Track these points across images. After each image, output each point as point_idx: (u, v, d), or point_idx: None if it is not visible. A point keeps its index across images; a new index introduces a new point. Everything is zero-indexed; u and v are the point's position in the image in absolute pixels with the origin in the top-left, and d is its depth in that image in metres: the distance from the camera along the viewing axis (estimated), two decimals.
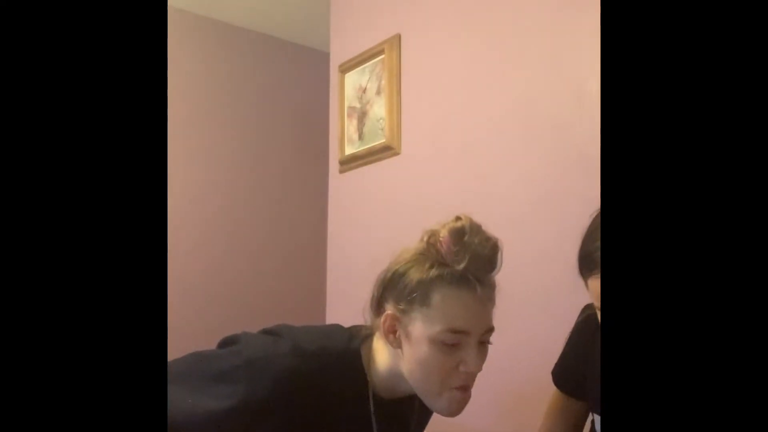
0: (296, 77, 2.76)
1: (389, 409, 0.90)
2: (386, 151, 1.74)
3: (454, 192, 1.55)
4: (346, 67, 1.92)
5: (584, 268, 0.78)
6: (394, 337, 0.85)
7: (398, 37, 1.74)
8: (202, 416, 0.81)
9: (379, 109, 1.77)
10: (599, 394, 0.82)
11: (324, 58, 2.21)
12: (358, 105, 1.86)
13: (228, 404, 0.80)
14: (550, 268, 1.30)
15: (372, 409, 0.88)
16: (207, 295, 2.45)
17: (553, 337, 1.06)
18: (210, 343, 0.94)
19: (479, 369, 0.83)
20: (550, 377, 1.05)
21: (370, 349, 0.89)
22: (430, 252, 0.83)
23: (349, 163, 1.87)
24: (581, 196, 1.23)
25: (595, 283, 0.76)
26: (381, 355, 0.88)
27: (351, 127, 1.88)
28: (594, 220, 0.80)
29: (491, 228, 0.84)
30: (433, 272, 0.81)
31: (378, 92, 1.78)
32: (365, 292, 0.89)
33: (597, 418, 0.93)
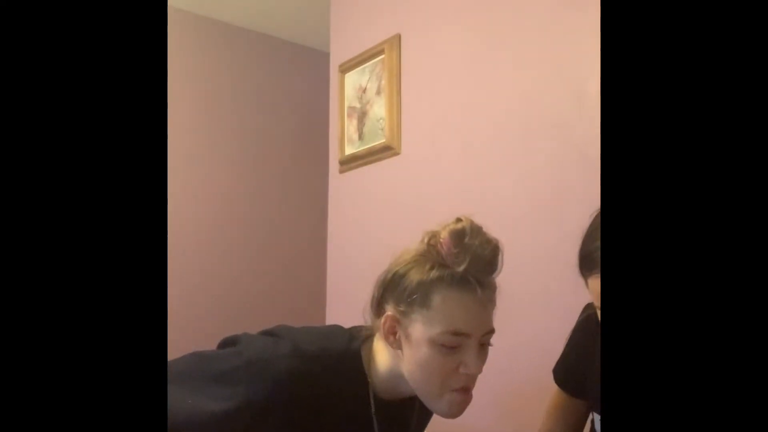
0: (296, 77, 2.76)
1: (390, 410, 0.89)
2: (386, 151, 1.74)
3: (454, 192, 1.55)
4: (346, 67, 1.92)
5: (584, 267, 0.78)
6: (394, 338, 0.84)
7: (398, 37, 1.74)
8: (202, 417, 0.81)
9: (379, 109, 1.77)
10: (599, 393, 0.82)
11: (324, 58, 2.21)
12: (358, 105, 1.86)
13: (228, 405, 0.80)
14: (550, 268, 1.30)
15: (373, 410, 0.88)
16: (207, 295, 2.45)
17: (553, 337, 1.06)
18: (210, 343, 0.94)
19: (479, 371, 0.83)
20: (550, 377, 1.05)
21: (370, 350, 0.89)
22: (431, 253, 0.83)
23: (349, 163, 1.87)
24: (581, 196, 1.23)
25: (595, 282, 0.76)
26: (381, 356, 0.88)
27: (351, 127, 1.88)
28: (594, 220, 0.80)
29: (491, 228, 0.84)
30: (434, 274, 0.81)
31: (378, 92, 1.78)
32: (365, 292, 0.89)
33: (597, 417, 0.93)
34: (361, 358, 0.88)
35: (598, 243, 0.74)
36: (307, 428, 0.83)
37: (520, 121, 1.41)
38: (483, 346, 0.84)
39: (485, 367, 0.84)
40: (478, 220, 0.84)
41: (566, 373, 1.03)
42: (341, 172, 1.92)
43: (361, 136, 1.84)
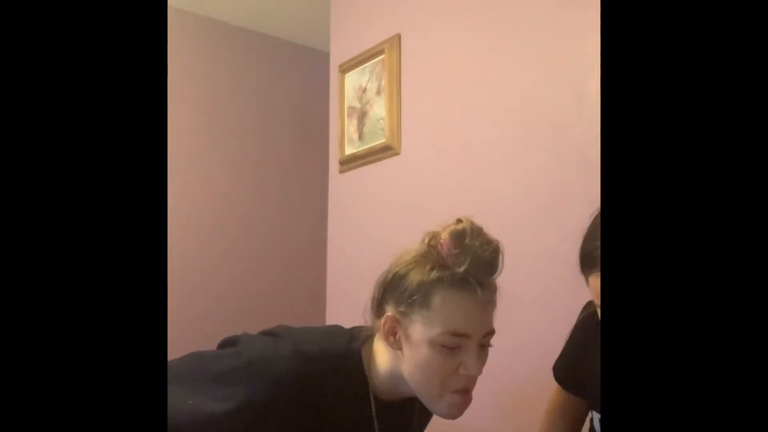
0: (296, 77, 2.76)
1: (390, 410, 0.89)
2: (386, 151, 1.74)
3: (454, 192, 1.54)
4: (346, 67, 1.92)
5: (585, 266, 0.79)
6: (394, 339, 0.84)
7: (398, 37, 1.74)
8: (202, 417, 0.81)
9: (379, 109, 1.77)
10: (599, 391, 0.82)
11: (324, 58, 2.21)
12: (358, 105, 1.86)
13: (228, 406, 0.80)
14: (550, 268, 1.30)
15: (373, 410, 0.88)
16: (207, 295, 2.45)
17: (553, 337, 1.06)
18: (210, 343, 0.94)
19: (479, 372, 0.82)
20: (550, 377, 1.05)
21: (370, 350, 0.89)
22: (431, 254, 0.83)
23: (349, 163, 1.87)
24: (581, 196, 1.23)
25: (596, 280, 0.76)
26: (381, 356, 0.87)
27: (351, 127, 1.88)
28: (594, 219, 0.80)
29: (491, 228, 0.84)
30: (434, 274, 0.81)
31: (378, 92, 1.78)
32: (365, 293, 0.89)
33: (596, 416, 0.93)
34: (362, 359, 0.88)
35: (598, 242, 0.75)
36: (307, 429, 0.83)
37: (520, 121, 1.41)
38: (483, 347, 0.84)
39: (485, 368, 0.84)
40: (478, 220, 0.84)
41: (566, 370, 1.03)
42: (341, 172, 1.92)
43: (361, 136, 1.84)
